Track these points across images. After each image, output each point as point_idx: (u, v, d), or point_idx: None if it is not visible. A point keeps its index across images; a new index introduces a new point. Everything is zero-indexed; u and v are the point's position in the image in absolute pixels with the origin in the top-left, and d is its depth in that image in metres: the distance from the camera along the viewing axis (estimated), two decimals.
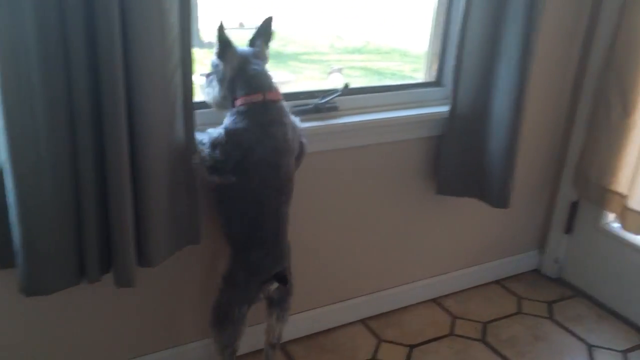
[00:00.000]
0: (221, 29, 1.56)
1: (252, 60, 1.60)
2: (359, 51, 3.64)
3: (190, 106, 1.56)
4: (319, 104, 1.86)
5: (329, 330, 2.20)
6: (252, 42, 1.64)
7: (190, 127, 1.59)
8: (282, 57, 3.16)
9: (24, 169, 1.33)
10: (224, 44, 1.57)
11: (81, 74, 1.33)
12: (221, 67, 1.60)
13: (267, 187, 1.59)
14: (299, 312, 2.08)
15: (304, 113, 1.82)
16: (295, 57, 3.38)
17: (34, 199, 1.36)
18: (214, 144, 1.58)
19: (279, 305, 1.75)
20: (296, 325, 2.05)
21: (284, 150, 1.60)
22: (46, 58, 1.29)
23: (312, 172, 1.88)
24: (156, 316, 1.85)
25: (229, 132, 1.57)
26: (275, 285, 1.66)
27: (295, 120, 1.68)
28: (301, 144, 1.70)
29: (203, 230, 1.69)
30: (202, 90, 1.70)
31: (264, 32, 1.64)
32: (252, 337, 1.85)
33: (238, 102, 1.58)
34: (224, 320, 1.67)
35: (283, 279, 1.65)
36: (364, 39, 3.54)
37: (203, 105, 1.70)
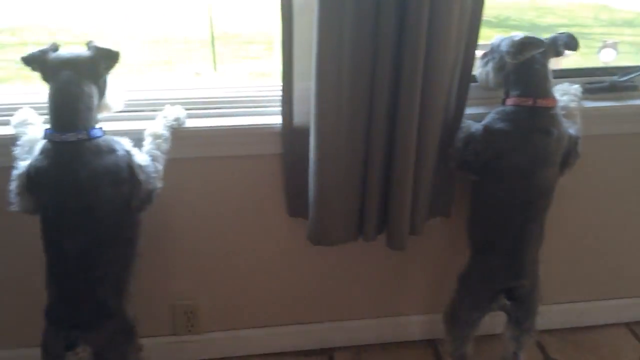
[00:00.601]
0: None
1: (537, 59, 1.49)
2: (629, 24, 3.23)
3: (466, 81, 1.55)
4: (616, 81, 1.69)
5: (587, 328, 2.03)
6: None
7: (462, 102, 1.58)
8: (536, 29, 2.95)
9: (327, 129, 1.46)
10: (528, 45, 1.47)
11: (387, 40, 1.40)
12: (501, 56, 1.53)
13: (514, 197, 1.49)
14: (555, 303, 1.96)
15: (596, 91, 1.67)
16: (550, 29, 3.12)
17: (332, 159, 1.50)
18: (468, 139, 1.54)
19: (516, 324, 1.62)
20: (551, 316, 1.93)
21: (542, 161, 1.48)
22: (358, 25, 1.38)
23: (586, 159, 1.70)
24: (386, 283, 1.89)
25: (487, 130, 1.51)
26: (505, 300, 1.55)
27: (569, 128, 1.52)
28: (572, 153, 1.54)
29: (454, 203, 1.69)
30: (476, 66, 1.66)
31: (558, 45, 1.51)
32: None
33: (508, 102, 1.51)
34: (453, 320, 1.64)
35: (515, 296, 1.53)
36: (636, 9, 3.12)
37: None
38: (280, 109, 1.58)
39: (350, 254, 1.79)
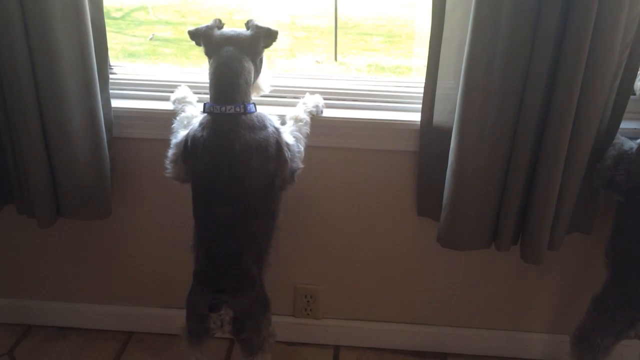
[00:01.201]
0: None
1: None
2: None
3: (626, 91, 1.43)
4: None
5: None
6: None
7: (618, 115, 1.46)
8: None
9: (470, 131, 1.43)
10: None
11: (546, 42, 1.33)
12: None
13: None
14: None
15: None
16: None
17: (472, 163, 1.45)
18: (620, 157, 1.42)
19: None
20: None
21: None
22: (515, 25, 1.33)
23: None
24: (511, 295, 1.82)
25: None
26: None
27: None
28: None
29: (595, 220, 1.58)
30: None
31: None
32: None
33: None
34: (583, 343, 1.52)
35: None
36: None
37: None
38: (418, 106, 1.57)
39: (478, 260, 1.74)
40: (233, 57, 1.36)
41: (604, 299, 1.50)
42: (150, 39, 2.57)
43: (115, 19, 2.74)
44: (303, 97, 1.61)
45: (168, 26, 2.68)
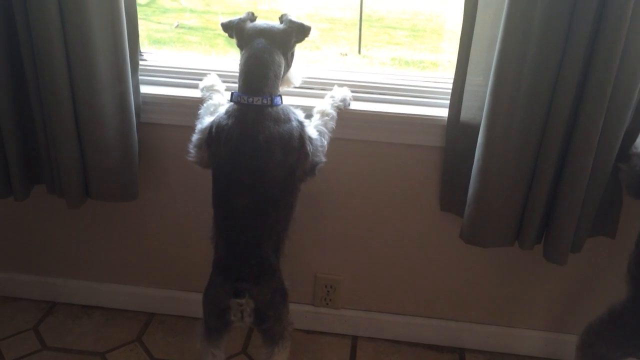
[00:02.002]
0: None
1: None
2: None
3: None
4: None
5: None
6: None
7: None
8: None
9: (498, 129, 1.43)
10: None
11: (580, 39, 1.32)
12: None
13: None
14: None
15: None
16: None
17: (498, 160, 1.45)
18: None
19: None
20: None
21: None
22: (548, 23, 1.33)
23: None
24: (531, 294, 1.82)
25: None
26: None
27: None
28: None
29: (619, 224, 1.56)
30: None
31: None
32: None
33: None
34: (591, 350, 1.46)
35: None
36: None
37: None
38: (445, 101, 1.57)
39: (499, 257, 1.74)
40: (264, 49, 1.38)
41: (622, 316, 1.43)
42: (176, 27, 2.59)
43: (141, 5, 2.77)
44: (331, 89, 1.62)
45: (193, 14, 2.69)
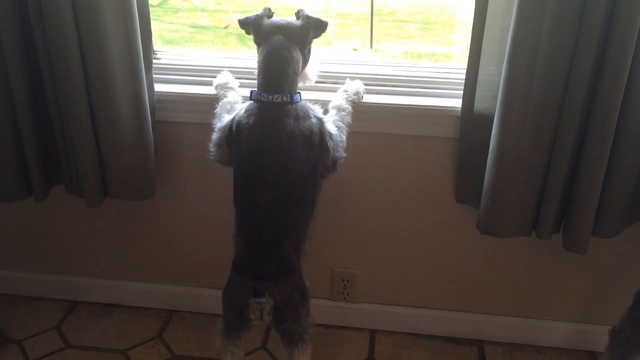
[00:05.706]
0: None
1: None
2: None
3: None
4: None
5: None
6: None
7: None
8: None
9: (512, 119, 1.42)
10: None
11: (592, 29, 1.31)
12: None
13: None
14: None
15: None
16: None
17: (513, 150, 1.45)
18: None
19: None
20: None
21: None
22: (561, 11, 1.31)
23: None
24: (550, 283, 1.80)
25: None
26: None
27: None
28: None
29: None
30: None
31: None
32: None
33: None
34: (620, 340, 1.44)
35: None
36: None
37: None
38: (458, 92, 1.56)
39: (516, 248, 1.73)
40: (282, 46, 1.38)
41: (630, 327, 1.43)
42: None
43: (153, 6, 2.80)
44: (343, 82, 1.62)
45: (204, 13, 2.71)
